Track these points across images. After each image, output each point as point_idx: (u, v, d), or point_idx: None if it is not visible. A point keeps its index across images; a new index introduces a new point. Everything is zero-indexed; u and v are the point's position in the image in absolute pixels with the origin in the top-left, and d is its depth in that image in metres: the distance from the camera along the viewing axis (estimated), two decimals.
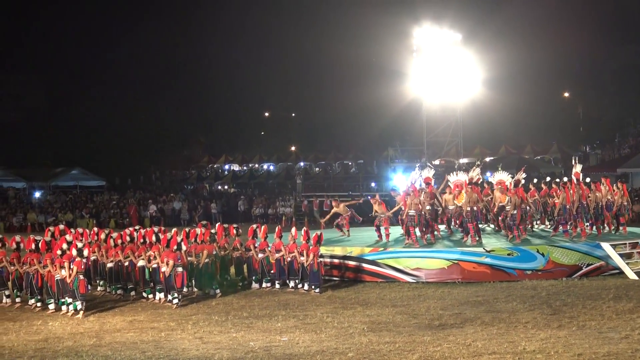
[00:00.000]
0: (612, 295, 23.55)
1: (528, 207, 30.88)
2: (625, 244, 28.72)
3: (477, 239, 29.10)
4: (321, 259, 26.48)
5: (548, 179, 33.33)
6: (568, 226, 30.45)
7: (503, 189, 29.78)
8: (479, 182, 32.01)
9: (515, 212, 29.37)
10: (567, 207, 30.27)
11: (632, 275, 26.87)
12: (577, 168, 31.85)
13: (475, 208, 29.44)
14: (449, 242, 30.06)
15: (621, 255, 27.80)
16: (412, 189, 30.10)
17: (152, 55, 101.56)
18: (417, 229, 29.43)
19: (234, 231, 28.56)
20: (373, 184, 64.97)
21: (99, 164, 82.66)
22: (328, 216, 35.55)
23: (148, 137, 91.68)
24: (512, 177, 31.17)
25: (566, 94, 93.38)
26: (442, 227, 32.29)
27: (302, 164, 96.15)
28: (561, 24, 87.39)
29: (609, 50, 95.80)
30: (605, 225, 31.66)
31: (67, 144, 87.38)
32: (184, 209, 61.29)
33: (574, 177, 31.10)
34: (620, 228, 31.74)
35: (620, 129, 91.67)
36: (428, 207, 29.89)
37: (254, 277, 27.55)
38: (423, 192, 30.02)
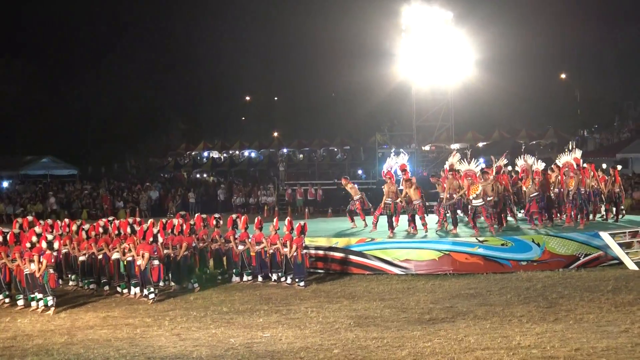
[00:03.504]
0: (611, 286, 23.63)
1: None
2: (625, 233, 28.80)
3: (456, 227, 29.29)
4: (305, 251, 26.48)
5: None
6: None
7: (571, 171, 30.03)
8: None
9: (497, 199, 29.62)
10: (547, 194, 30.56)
11: (632, 266, 26.95)
12: (577, 153, 31.87)
13: (455, 196, 29.55)
14: (440, 232, 30.09)
15: (621, 244, 27.85)
16: (388, 176, 30.25)
17: (125, 37, 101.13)
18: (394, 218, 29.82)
19: (214, 222, 28.46)
20: (360, 171, 65.04)
21: (71, 151, 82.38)
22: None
23: (122, 123, 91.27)
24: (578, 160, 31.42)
25: (563, 76, 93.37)
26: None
27: (285, 150, 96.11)
28: (558, 2, 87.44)
29: (608, 31, 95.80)
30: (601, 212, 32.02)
31: (37, 130, 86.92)
32: (143, 200, 60.72)
33: (573, 163, 31.11)
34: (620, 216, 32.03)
35: (619, 112, 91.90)
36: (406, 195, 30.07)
37: (234, 270, 27.53)
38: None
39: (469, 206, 29.28)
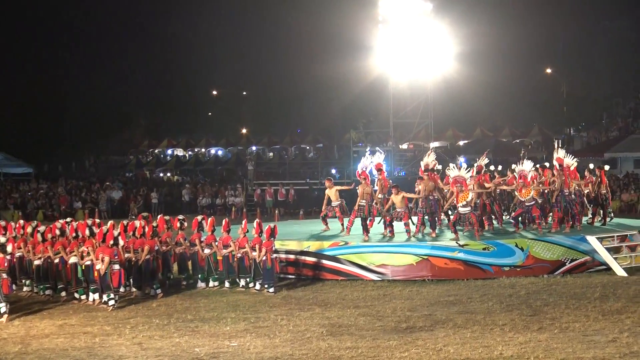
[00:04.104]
0: (599, 294, 23.73)
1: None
2: (613, 237, 28.84)
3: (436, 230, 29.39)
4: (275, 255, 26.44)
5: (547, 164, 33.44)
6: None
7: (555, 172, 30.17)
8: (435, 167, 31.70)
9: (478, 201, 29.60)
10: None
11: (620, 272, 27.08)
12: (560, 153, 31.89)
13: (431, 197, 29.52)
14: (417, 236, 30.02)
15: (608, 249, 27.97)
16: (363, 176, 30.19)
17: (83, 28, 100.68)
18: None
19: (178, 224, 28.35)
20: (333, 171, 65.00)
21: (26, 148, 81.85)
22: (325, 203, 32.17)
23: (81, 118, 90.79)
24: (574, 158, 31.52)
25: (548, 71, 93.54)
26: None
27: (254, 148, 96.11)
28: None
29: (596, 24, 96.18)
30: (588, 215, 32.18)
31: None
32: (103, 200, 60.38)
33: (556, 163, 31.09)
34: (608, 219, 32.19)
35: (607, 110, 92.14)
36: (380, 196, 29.97)
37: (199, 276, 27.43)
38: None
39: (449, 211, 29.34)
